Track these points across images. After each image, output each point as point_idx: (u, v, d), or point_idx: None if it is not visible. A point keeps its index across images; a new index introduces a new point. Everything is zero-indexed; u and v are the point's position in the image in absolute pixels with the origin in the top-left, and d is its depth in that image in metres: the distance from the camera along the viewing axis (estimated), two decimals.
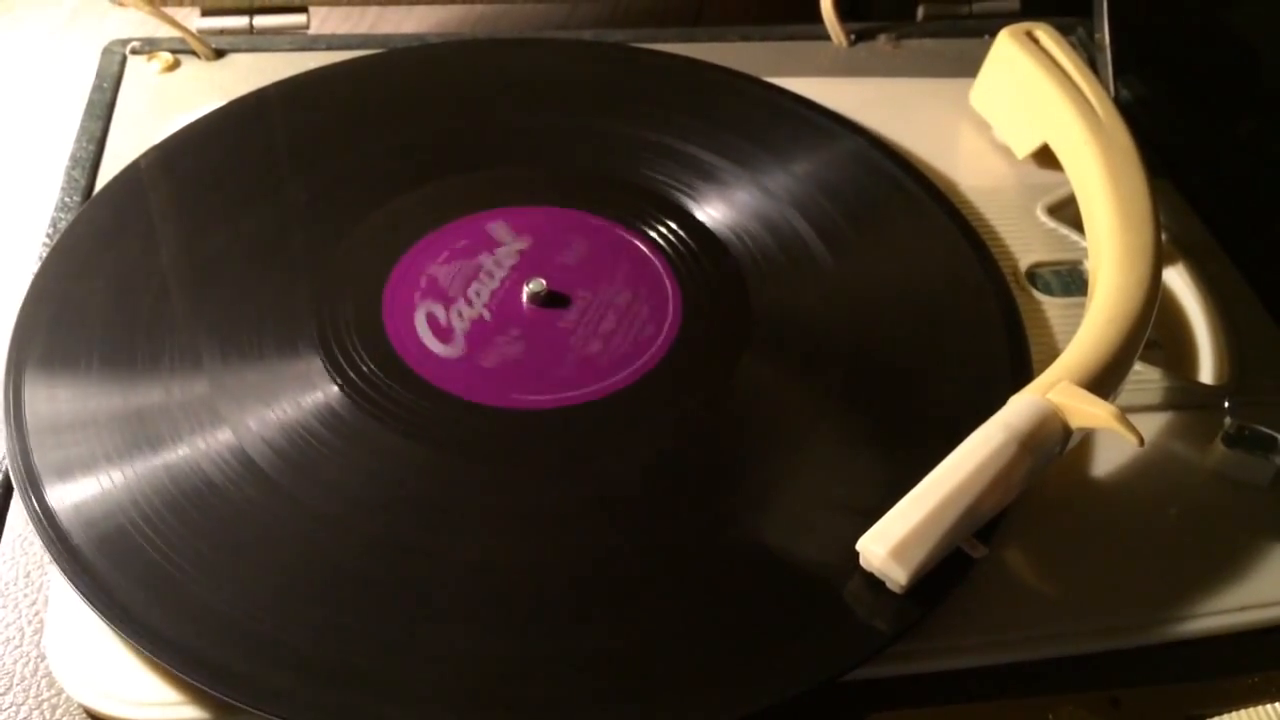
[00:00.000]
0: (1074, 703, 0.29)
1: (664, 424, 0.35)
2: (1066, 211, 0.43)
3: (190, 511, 0.31)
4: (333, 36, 0.52)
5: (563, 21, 0.65)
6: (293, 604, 0.29)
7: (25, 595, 0.31)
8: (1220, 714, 0.29)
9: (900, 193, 0.43)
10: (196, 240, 0.39)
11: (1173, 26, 0.53)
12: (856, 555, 0.30)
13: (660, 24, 0.59)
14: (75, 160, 0.43)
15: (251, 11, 0.51)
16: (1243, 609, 0.32)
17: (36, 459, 0.32)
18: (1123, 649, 0.31)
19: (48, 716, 0.29)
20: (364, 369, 0.35)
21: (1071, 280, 0.41)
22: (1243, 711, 0.29)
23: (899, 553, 0.29)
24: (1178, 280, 0.42)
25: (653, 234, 0.40)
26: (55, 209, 0.41)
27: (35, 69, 0.57)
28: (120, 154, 0.43)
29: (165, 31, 0.49)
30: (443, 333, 0.36)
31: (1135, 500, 0.34)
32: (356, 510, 0.31)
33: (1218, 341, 0.39)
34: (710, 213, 0.41)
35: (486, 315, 0.37)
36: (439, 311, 0.37)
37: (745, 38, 0.53)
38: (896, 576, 0.29)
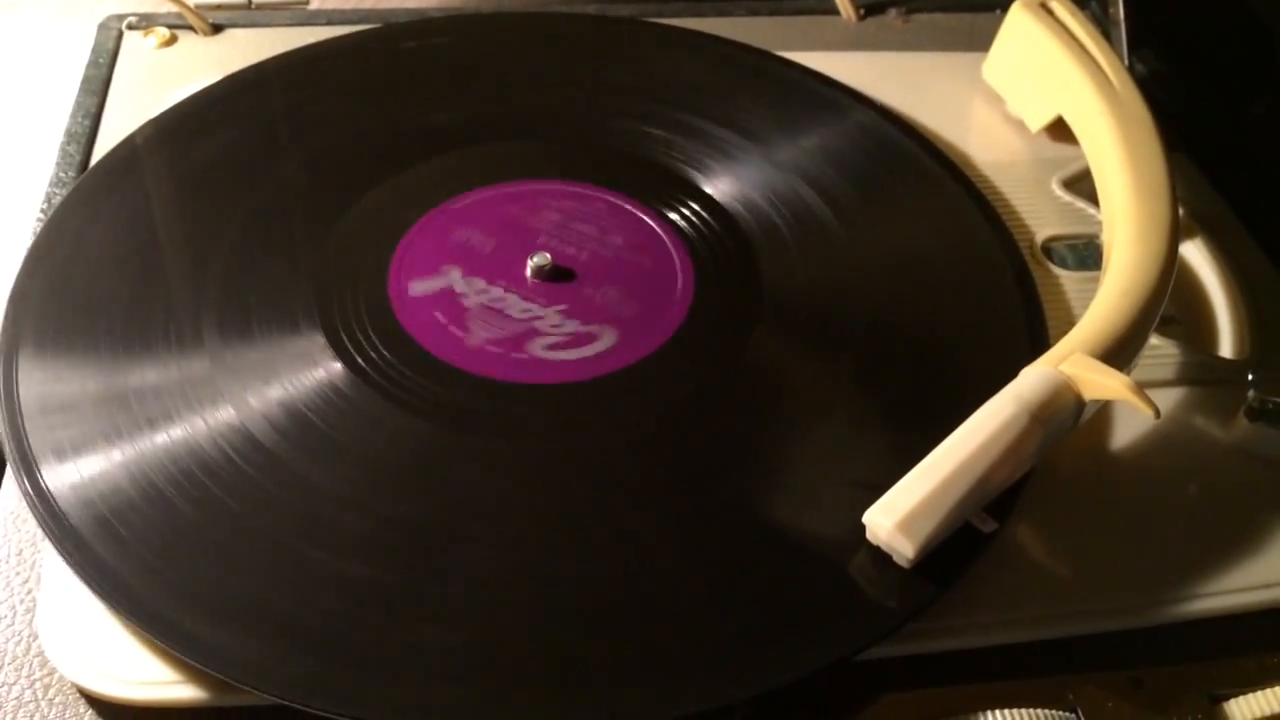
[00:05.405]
0: (1094, 683, 0.28)
1: (675, 399, 0.34)
2: (1081, 185, 0.43)
3: (191, 490, 0.30)
4: (333, 11, 0.51)
5: None
6: (294, 583, 0.29)
7: (18, 573, 0.30)
8: (1243, 693, 0.28)
9: (914, 167, 0.42)
10: (193, 216, 0.38)
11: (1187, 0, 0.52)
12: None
13: None
14: (70, 135, 0.43)
15: None
16: (1266, 586, 0.31)
17: (32, 439, 0.31)
18: (1143, 627, 0.30)
19: (40, 696, 0.28)
20: (367, 345, 0.34)
21: (1087, 254, 0.41)
22: (1266, 690, 0.28)
23: (906, 525, 0.28)
24: (1195, 254, 0.41)
25: (663, 208, 0.39)
26: (50, 184, 0.41)
27: (31, 44, 0.56)
28: (116, 129, 0.43)
29: (163, 7, 0.49)
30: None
31: (1155, 476, 0.34)
32: (363, 489, 0.31)
33: (1237, 315, 0.39)
34: (721, 187, 0.40)
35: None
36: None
37: (752, 12, 0.52)
38: (904, 550, 0.29)
